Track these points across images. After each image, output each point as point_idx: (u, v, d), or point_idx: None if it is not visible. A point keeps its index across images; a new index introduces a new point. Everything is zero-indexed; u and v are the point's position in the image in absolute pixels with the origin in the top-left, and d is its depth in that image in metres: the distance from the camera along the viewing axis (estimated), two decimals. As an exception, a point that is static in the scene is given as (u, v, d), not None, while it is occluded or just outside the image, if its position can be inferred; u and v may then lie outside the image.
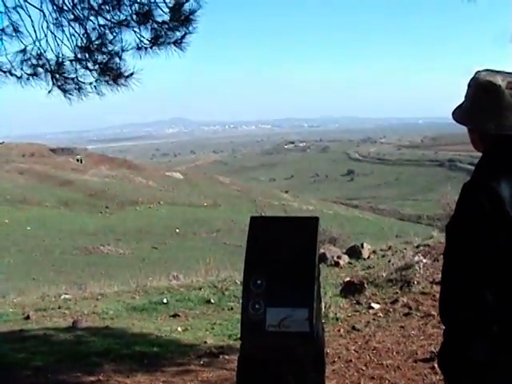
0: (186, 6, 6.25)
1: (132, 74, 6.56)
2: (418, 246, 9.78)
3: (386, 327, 6.33)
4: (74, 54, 6.51)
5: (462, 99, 2.06)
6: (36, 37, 6.32)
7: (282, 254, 3.32)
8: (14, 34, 6.35)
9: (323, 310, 5.93)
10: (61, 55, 6.51)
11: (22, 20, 6.32)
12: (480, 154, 2.01)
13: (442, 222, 14.04)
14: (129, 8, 6.31)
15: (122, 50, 6.50)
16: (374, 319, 6.65)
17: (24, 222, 41.14)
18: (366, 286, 7.50)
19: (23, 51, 6.44)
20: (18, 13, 6.29)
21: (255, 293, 3.26)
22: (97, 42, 6.50)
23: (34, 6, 6.26)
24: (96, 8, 6.36)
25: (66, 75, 6.63)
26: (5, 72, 6.45)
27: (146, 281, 10.51)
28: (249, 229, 3.44)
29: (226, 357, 5.71)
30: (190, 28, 6.33)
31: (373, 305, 7.05)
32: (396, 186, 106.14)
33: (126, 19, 6.33)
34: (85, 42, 6.45)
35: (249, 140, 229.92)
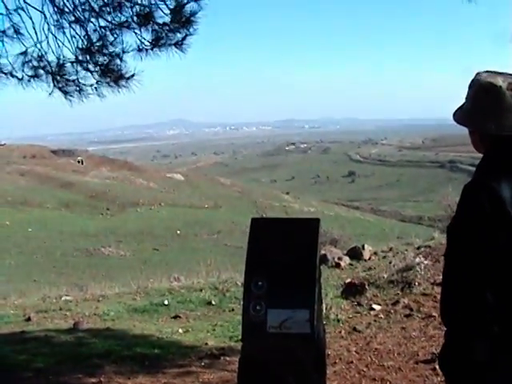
0: (187, 8, 6.26)
1: (133, 75, 6.57)
2: (419, 248, 9.78)
3: (387, 328, 6.33)
4: (75, 55, 6.53)
5: (463, 100, 2.07)
6: (37, 39, 6.34)
7: (283, 256, 3.33)
8: (15, 36, 6.36)
9: (324, 311, 5.92)
10: (62, 57, 6.53)
11: (23, 22, 6.34)
12: (481, 155, 2.01)
13: (443, 223, 14.04)
14: (130, 10, 6.32)
15: (123, 52, 6.51)
16: (375, 320, 6.64)
17: (25, 224, 41.14)
18: (367, 287, 7.49)
19: (24, 53, 6.46)
20: (19, 15, 6.31)
21: (256, 294, 3.26)
22: (98, 44, 6.51)
23: (35, 8, 6.28)
24: (97, 10, 6.37)
25: (66, 77, 6.64)
26: (6, 74, 6.46)
27: (147, 282, 10.51)
28: (250, 230, 3.44)
29: (227, 358, 5.71)
30: (191, 29, 6.35)
31: (374, 306, 7.04)
32: (397, 188, 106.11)
33: (126, 21, 6.33)
34: (86, 43, 6.45)
35: (250, 141, 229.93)
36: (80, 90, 6.69)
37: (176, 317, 7.80)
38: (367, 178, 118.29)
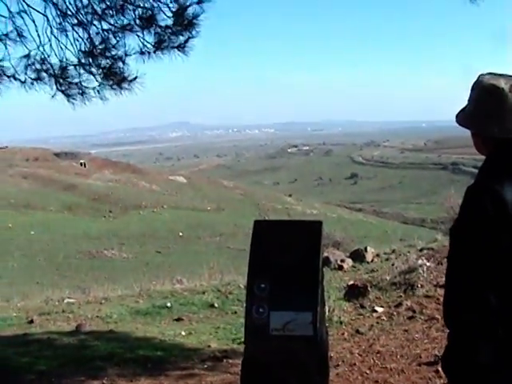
0: (189, 11, 6.28)
1: (135, 78, 6.58)
2: (421, 250, 9.78)
3: (390, 331, 6.32)
4: (78, 58, 6.54)
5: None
6: (40, 42, 6.36)
7: (285, 258, 3.33)
8: (18, 39, 6.39)
9: (327, 313, 5.92)
10: (64, 60, 6.55)
11: (26, 25, 6.37)
12: (483, 157, 2.01)
13: (445, 225, 14.04)
14: (132, 12, 6.34)
15: (126, 55, 6.53)
16: (377, 323, 6.64)
17: (28, 227, 41.17)
18: (369, 289, 7.49)
19: (27, 56, 6.47)
20: (21, 18, 6.34)
21: (259, 296, 3.26)
22: (100, 47, 6.52)
23: (38, 11, 6.30)
24: (99, 13, 6.38)
25: (69, 80, 6.65)
26: (9, 76, 6.48)
27: (150, 285, 10.52)
28: (252, 233, 3.44)
29: (230, 361, 5.71)
30: (193, 32, 6.37)
31: (376, 308, 7.04)
32: (399, 190, 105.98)
33: (129, 24, 6.35)
34: (88, 46, 6.47)
35: (252, 144, 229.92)
36: (83, 93, 6.70)
37: (179, 319, 7.80)
38: (370, 180, 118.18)
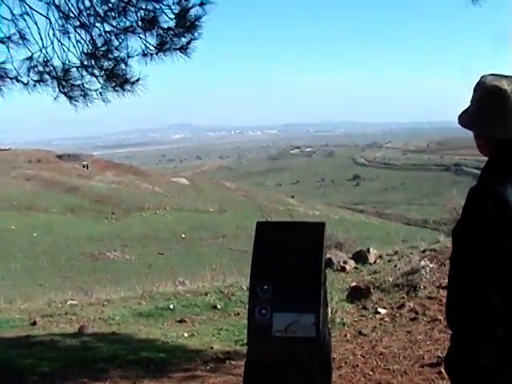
0: (192, 12, 6.28)
1: (138, 80, 6.59)
2: (424, 251, 9.76)
3: (393, 332, 6.31)
4: (80, 60, 6.55)
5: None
6: (42, 44, 6.37)
7: (288, 260, 3.33)
8: (20, 42, 6.39)
9: (330, 315, 5.92)
10: (67, 62, 6.56)
11: (29, 27, 6.37)
12: (486, 159, 2.01)
13: (448, 226, 14.01)
14: (134, 14, 6.34)
15: (128, 57, 6.53)
16: (380, 324, 6.63)
17: (30, 228, 41.25)
18: (372, 290, 7.48)
19: (30, 58, 6.48)
20: (24, 20, 6.34)
21: (262, 298, 3.26)
22: (103, 49, 6.53)
23: (41, 14, 6.30)
24: (102, 15, 6.39)
25: (72, 82, 6.66)
26: (11, 79, 6.49)
27: (152, 286, 10.51)
28: (255, 234, 3.44)
29: (233, 362, 5.70)
30: (196, 34, 6.37)
31: (379, 310, 7.03)
32: (402, 191, 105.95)
33: (131, 25, 6.36)
34: (91, 48, 6.48)
35: (254, 145, 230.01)
36: (85, 95, 6.71)
37: (181, 321, 7.80)
38: (372, 182, 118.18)
